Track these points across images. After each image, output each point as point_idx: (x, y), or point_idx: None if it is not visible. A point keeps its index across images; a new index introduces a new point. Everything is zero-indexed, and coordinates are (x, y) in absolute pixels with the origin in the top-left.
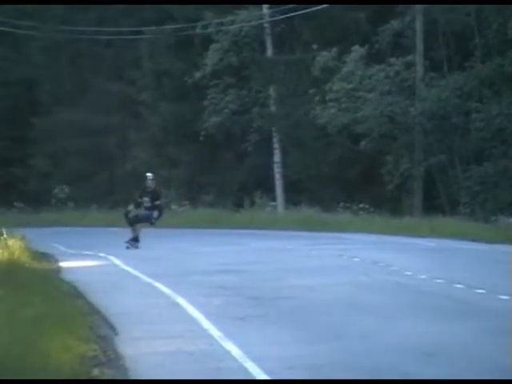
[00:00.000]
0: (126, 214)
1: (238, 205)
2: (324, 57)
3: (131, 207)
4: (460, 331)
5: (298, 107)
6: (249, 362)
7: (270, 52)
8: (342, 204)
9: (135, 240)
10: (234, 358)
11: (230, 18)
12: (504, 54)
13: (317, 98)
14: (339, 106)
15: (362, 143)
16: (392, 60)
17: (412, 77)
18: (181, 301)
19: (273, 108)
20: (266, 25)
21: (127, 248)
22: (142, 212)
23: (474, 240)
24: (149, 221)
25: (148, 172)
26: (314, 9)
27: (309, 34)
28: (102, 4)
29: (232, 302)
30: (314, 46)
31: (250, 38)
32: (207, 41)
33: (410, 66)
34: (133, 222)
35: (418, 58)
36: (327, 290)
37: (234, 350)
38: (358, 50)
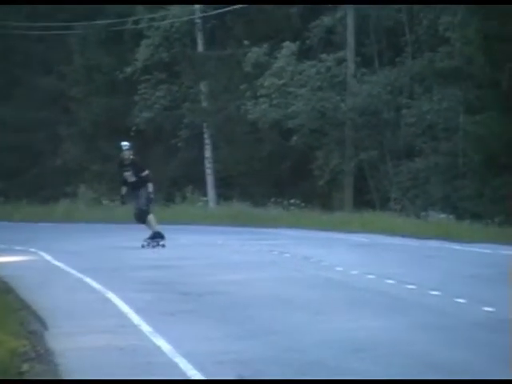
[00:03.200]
0: (123, 202)
1: (169, 200)
2: (255, 52)
3: (124, 190)
4: (391, 326)
5: (229, 103)
6: (179, 357)
7: (201, 47)
8: (273, 199)
9: (156, 236)
10: (163, 353)
11: (161, 13)
12: (435, 49)
13: (248, 94)
14: (270, 101)
15: (293, 138)
16: (323, 56)
17: (343, 72)
18: (111, 296)
19: (204, 103)
20: (197, 20)
21: (142, 247)
22: (140, 201)
23: (404, 235)
24: (150, 201)
25: (123, 141)
26: (245, 5)
27: (240, 30)
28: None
29: (162, 297)
30: (246, 42)
31: (181, 34)
32: (138, 36)
33: (341, 61)
34: (141, 216)
35: (349, 54)
36: (258, 285)
37: (164, 346)
38: (289, 46)
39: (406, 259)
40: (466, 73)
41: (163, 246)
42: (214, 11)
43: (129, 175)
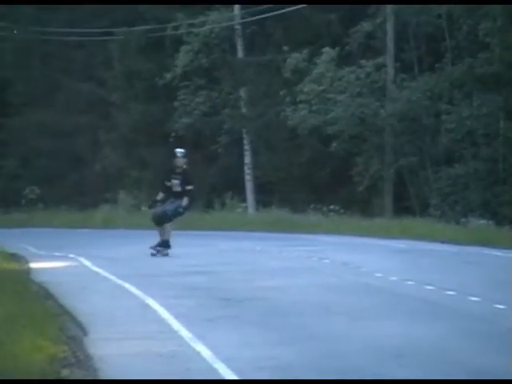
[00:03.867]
0: (152, 206)
1: (209, 206)
2: (295, 58)
3: (160, 196)
4: (431, 333)
5: (269, 109)
6: (218, 362)
7: (240, 53)
8: (312, 205)
9: (164, 245)
10: (203, 359)
11: (200, 19)
12: (475, 55)
13: (287, 100)
14: (310, 107)
15: (333, 145)
16: (363, 62)
17: (382, 78)
18: (151, 302)
19: (243, 109)
20: (236, 26)
21: (152, 255)
22: (168, 206)
23: (443, 241)
24: (178, 213)
25: (178, 148)
26: (285, 10)
27: (280, 36)
28: (77, 4)
29: (202, 303)
30: (285, 48)
31: (221, 40)
32: (178, 42)
33: (380, 67)
34: (162, 220)
35: (389, 60)
36: (297, 291)
37: (204, 351)
38: (328, 52)
39: (445, 265)
40: (507, 78)
41: (167, 254)
42: (253, 17)
43: (176, 184)
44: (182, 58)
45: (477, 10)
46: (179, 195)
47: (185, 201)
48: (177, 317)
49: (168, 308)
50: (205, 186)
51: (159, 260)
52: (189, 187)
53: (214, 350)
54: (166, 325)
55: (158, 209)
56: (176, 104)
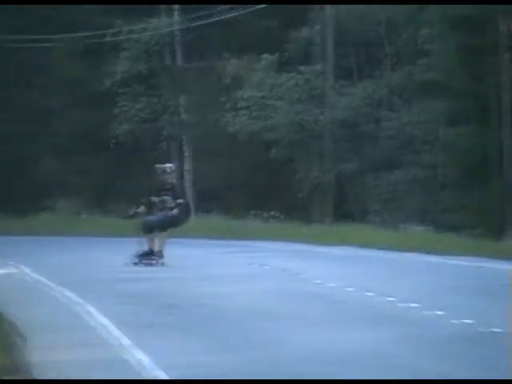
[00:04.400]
0: (132, 217)
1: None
2: (234, 65)
3: (141, 209)
4: (375, 339)
5: (209, 115)
6: (158, 370)
7: (180, 60)
8: (252, 212)
9: (157, 255)
10: (143, 367)
11: (140, 25)
12: (414, 62)
13: (227, 106)
14: (250, 113)
15: (273, 151)
16: (302, 68)
17: (322, 85)
18: (91, 309)
19: (183, 116)
20: (176, 33)
21: (135, 264)
22: (160, 216)
23: (382, 248)
24: (171, 223)
25: (167, 163)
26: (224, 17)
27: (219, 42)
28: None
29: (143, 310)
30: (225, 54)
31: (161, 46)
32: (117, 48)
33: (319, 74)
34: (152, 228)
35: (328, 66)
36: (237, 298)
37: (143, 358)
38: (268, 58)
39: (384, 272)
40: (446, 85)
41: (162, 264)
42: (193, 23)
43: (168, 199)
44: (121, 65)
45: (416, 17)
46: (172, 209)
47: (175, 211)
48: (117, 324)
49: (108, 315)
50: (144, 192)
51: (99, 267)
52: (180, 201)
53: (152, 358)
54: (107, 332)
55: (149, 217)
56: (116, 111)
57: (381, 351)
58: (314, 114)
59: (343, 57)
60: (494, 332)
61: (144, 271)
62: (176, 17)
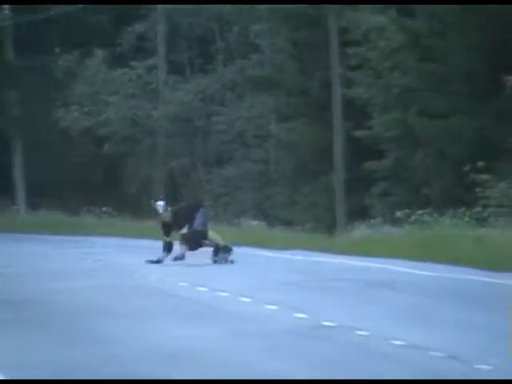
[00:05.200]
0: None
1: None
2: (66, 60)
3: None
4: (204, 334)
5: (40, 110)
6: None
7: (10, 54)
8: (85, 207)
9: (225, 250)
10: None
11: None
12: (246, 57)
13: (59, 102)
14: (82, 109)
15: (105, 146)
16: (134, 63)
17: (155, 80)
18: None
19: (14, 111)
20: (7, 28)
21: (215, 262)
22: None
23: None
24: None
25: (156, 202)
26: (57, 12)
27: (51, 37)
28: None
29: None
30: (57, 49)
31: None
32: None
33: (152, 69)
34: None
35: (160, 61)
36: (74, 293)
37: None
38: (100, 53)
39: (217, 267)
40: (277, 80)
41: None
42: (24, 18)
43: (182, 229)
44: None
45: (247, 12)
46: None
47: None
48: None
49: None
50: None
51: None
52: (182, 231)
53: None
54: None
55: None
56: None
57: (211, 347)
58: (146, 109)
59: (176, 52)
60: (325, 326)
61: None
62: (6, 11)
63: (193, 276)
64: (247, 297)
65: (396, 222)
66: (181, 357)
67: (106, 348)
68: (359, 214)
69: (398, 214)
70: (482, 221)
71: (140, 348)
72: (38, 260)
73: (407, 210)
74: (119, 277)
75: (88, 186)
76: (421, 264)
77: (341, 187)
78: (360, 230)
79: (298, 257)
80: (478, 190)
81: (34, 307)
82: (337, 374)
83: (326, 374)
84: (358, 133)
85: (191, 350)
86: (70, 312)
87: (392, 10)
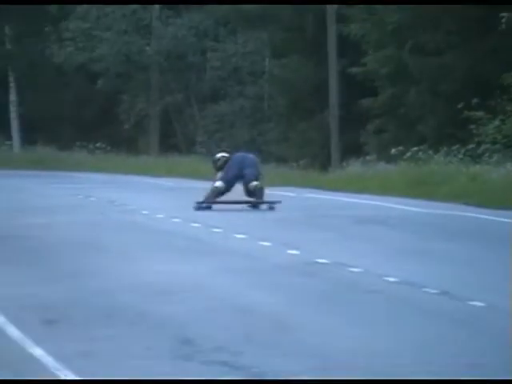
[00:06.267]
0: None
1: None
2: None
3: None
4: (196, 270)
5: (34, 46)
6: None
7: None
8: (78, 143)
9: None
10: None
11: None
12: None
13: (53, 37)
14: (76, 45)
15: (99, 82)
16: None
17: (148, 16)
18: None
19: (8, 46)
20: None
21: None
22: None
23: (209, 179)
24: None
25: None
26: None
27: None
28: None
29: None
30: None
31: None
32: None
33: (145, 4)
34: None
35: None
36: (63, 228)
37: None
38: None
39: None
40: (271, 15)
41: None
42: None
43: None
44: None
45: None
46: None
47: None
48: None
49: None
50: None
51: None
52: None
53: None
54: None
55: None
56: None
57: (201, 282)
58: (140, 44)
59: None
60: (318, 262)
61: None
62: None
63: (185, 212)
64: (241, 233)
65: (391, 158)
66: (170, 291)
67: (93, 282)
68: (354, 151)
69: (393, 150)
70: (476, 158)
71: (130, 281)
72: (29, 195)
73: (402, 147)
74: (111, 213)
75: (82, 122)
76: (415, 201)
77: (335, 124)
78: (354, 167)
79: (291, 194)
80: (472, 126)
81: (19, 243)
82: (322, 307)
83: (311, 308)
84: (353, 70)
85: (181, 284)
86: (57, 247)
87: None
